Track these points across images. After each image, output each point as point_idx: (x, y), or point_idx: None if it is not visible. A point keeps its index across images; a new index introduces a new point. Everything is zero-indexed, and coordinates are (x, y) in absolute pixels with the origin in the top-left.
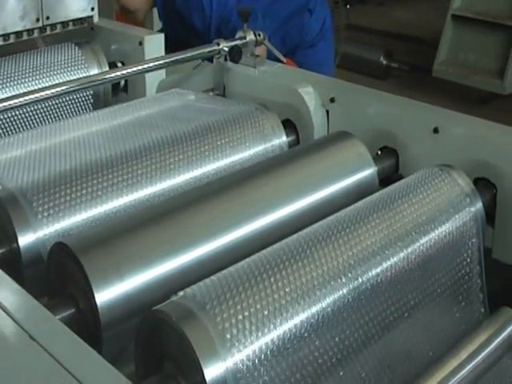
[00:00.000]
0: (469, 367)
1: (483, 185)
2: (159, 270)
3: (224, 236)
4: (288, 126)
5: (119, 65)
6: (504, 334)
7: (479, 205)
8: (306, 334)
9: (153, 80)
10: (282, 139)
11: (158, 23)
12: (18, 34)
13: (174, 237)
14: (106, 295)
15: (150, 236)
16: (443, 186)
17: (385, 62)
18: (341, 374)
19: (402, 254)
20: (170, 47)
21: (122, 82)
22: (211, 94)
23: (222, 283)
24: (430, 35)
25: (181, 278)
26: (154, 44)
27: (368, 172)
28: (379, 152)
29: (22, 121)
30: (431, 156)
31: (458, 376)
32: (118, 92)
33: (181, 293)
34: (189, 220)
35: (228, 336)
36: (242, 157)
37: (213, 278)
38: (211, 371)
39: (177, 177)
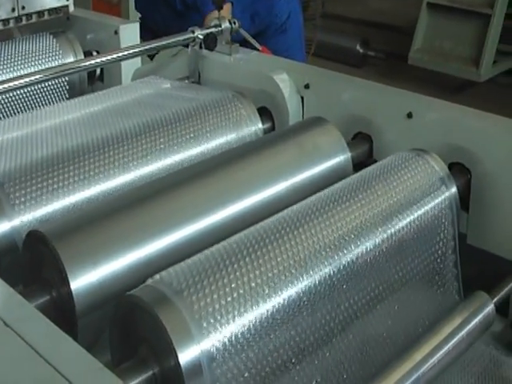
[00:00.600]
0: (444, 350)
1: (458, 170)
2: (134, 256)
3: (199, 221)
4: (263, 113)
5: (94, 54)
6: (479, 318)
7: (454, 189)
8: (282, 317)
9: (128, 69)
10: (257, 126)
11: (134, 12)
12: None
13: (149, 222)
14: (80, 282)
15: (125, 222)
16: (418, 170)
17: (361, 51)
18: (317, 356)
19: (376, 238)
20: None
21: (98, 71)
22: (186, 81)
23: (196, 267)
24: (405, 23)
25: (156, 264)
26: (130, 33)
27: (342, 157)
28: (353, 138)
29: None
30: (405, 141)
31: (434, 359)
32: (94, 81)
33: (156, 277)
34: (164, 205)
35: (202, 319)
36: (218, 144)
37: (187, 261)
38: (185, 355)
39: (152, 164)
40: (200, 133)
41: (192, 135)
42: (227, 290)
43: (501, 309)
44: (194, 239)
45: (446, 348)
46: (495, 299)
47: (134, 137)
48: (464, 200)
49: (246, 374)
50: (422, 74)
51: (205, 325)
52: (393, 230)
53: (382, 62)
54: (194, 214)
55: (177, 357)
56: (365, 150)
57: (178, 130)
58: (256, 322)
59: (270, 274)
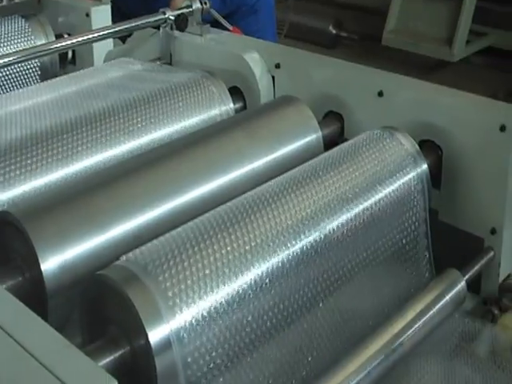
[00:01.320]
0: (415, 327)
1: (429, 147)
2: (105, 236)
3: (170, 201)
4: (235, 92)
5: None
6: (450, 295)
7: (424, 166)
8: (251, 294)
9: (100, 52)
10: (228, 106)
11: None
12: None
13: (120, 203)
14: (51, 263)
15: (95, 202)
16: (388, 147)
17: (334, 32)
18: (288, 333)
19: (346, 216)
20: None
21: (70, 54)
22: (158, 63)
23: (165, 246)
24: (379, 4)
25: (128, 244)
26: (101, 15)
27: (313, 136)
28: (325, 117)
29: None
30: (376, 119)
31: (405, 336)
32: (66, 64)
33: (124, 257)
34: (135, 186)
35: (171, 298)
36: (189, 124)
37: (156, 241)
38: (155, 333)
39: (123, 145)
40: (171, 113)
41: (163, 116)
42: (196, 268)
43: (473, 286)
44: (164, 219)
45: (417, 325)
46: (467, 276)
47: (105, 118)
48: (435, 177)
49: (219, 351)
50: (395, 54)
51: (174, 303)
52: (363, 207)
53: (355, 43)
54: (165, 193)
55: (146, 336)
56: (336, 128)
57: (149, 111)
58: (225, 299)
59: (238, 253)
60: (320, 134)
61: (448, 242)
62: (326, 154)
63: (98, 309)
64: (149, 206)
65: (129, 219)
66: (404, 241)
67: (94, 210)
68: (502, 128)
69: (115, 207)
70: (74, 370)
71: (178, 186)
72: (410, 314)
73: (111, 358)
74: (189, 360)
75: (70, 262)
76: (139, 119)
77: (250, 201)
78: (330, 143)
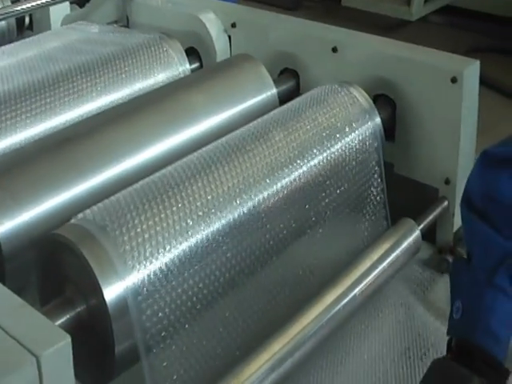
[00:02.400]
0: (372, 276)
1: (383, 101)
2: (62, 197)
3: (127, 159)
4: (191, 53)
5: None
6: (405, 244)
7: (377, 120)
8: (206, 249)
9: (58, 17)
10: (185, 66)
11: None
12: None
13: (76, 162)
14: (6, 226)
15: (51, 163)
16: (341, 101)
17: None
18: (245, 285)
19: (301, 170)
20: None
21: (27, 20)
22: (115, 25)
23: (119, 203)
24: None
25: (84, 203)
26: None
27: (268, 93)
28: (280, 74)
29: None
30: (331, 75)
31: (361, 285)
32: (24, 30)
33: (80, 215)
34: (90, 145)
35: (126, 255)
36: (146, 85)
37: (111, 198)
38: (110, 291)
39: (80, 107)
40: (128, 75)
41: (120, 78)
42: (151, 224)
43: (428, 236)
44: (121, 178)
45: (373, 274)
46: (421, 225)
47: (64, 81)
48: (390, 131)
49: (174, 305)
50: (356, 15)
51: (129, 260)
52: (317, 160)
53: (316, 5)
54: (121, 152)
55: (102, 294)
56: (292, 85)
57: (106, 74)
58: (180, 255)
59: (193, 208)
60: (275, 90)
61: (404, 193)
62: (279, 109)
63: (54, 268)
64: (104, 165)
65: (85, 179)
66: (359, 193)
67: (50, 170)
68: (454, 80)
69: (71, 167)
70: (28, 327)
71: (134, 145)
72: (366, 263)
73: (67, 316)
74: (144, 316)
75: (26, 224)
76: (97, 81)
77: (204, 158)
78: (286, 100)
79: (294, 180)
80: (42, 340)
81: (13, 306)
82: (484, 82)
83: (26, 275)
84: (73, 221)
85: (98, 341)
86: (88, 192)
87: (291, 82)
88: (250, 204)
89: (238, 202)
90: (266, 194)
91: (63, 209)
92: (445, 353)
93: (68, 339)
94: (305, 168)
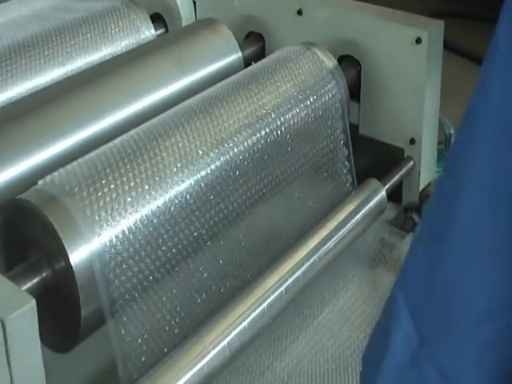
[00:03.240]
0: (337, 236)
1: (348, 62)
2: (28, 163)
3: (92, 125)
4: (156, 19)
5: None
6: (370, 204)
7: (343, 81)
8: (171, 210)
9: None
10: (150, 32)
11: None
12: None
13: (40, 129)
14: None
15: (17, 130)
16: (305, 62)
17: None
18: (209, 247)
19: (264, 132)
20: None
21: None
22: None
23: (85, 167)
24: None
25: (49, 169)
26: None
27: (234, 57)
28: (246, 37)
29: None
30: (297, 38)
31: (327, 245)
32: None
33: (45, 179)
34: (55, 111)
35: (91, 218)
36: (111, 51)
37: (75, 162)
38: (76, 255)
39: (48, 73)
40: (93, 41)
41: (84, 44)
42: (116, 186)
43: (394, 196)
44: (85, 143)
45: (339, 233)
46: (387, 185)
47: (28, 48)
48: (355, 92)
49: (140, 266)
50: None
51: (94, 223)
52: (280, 122)
53: None
54: (85, 118)
55: (68, 258)
56: (257, 49)
57: (71, 41)
58: (145, 217)
59: (158, 169)
60: (240, 54)
61: (369, 154)
62: (243, 71)
63: (19, 234)
64: (69, 131)
65: (51, 144)
66: (324, 154)
67: (16, 137)
68: (418, 40)
69: (36, 134)
70: None
71: (99, 110)
72: (332, 224)
73: (33, 281)
74: (109, 278)
75: None
76: (62, 48)
77: (167, 121)
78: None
79: (258, 142)
80: (7, 304)
81: None
82: (448, 46)
83: None
84: (37, 186)
85: (64, 305)
86: (53, 158)
87: (257, 45)
88: (214, 165)
89: (202, 163)
90: (228, 156)
91: (30, 175)
92: None
93: (33, 302)
94: (268, 129)
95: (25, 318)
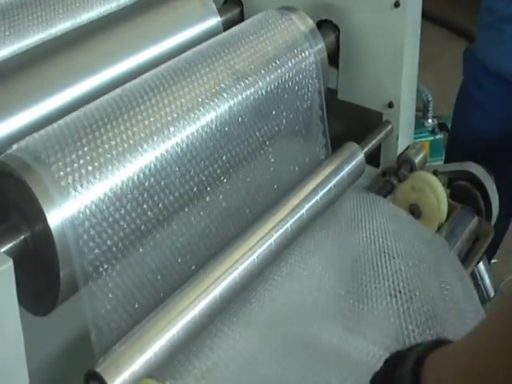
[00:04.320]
0: (315, 199)
1: (326, 27)
2: (6, 128)
3: (67, 90)
4: None
5: None
6: (349, 166)
7: (320, 46)
8: (147, 177)
9: None
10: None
11: None
12: None
13: (22, 92)
14: None
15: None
16: (282, 27)
17: None
18: (185, 213)
19: (240, 97)
20: None
21: None
22: None
23: (58, 132)
24: None
25: (27, 134)
26: None
27: (212, 22)
28: (225, 2)
29: None
30: (275, 3)
31: (304, 208)
32: None
33: (21, 143)
34: (33, 77)
35: (64, 182)
36: (88, 16)
37: (49, 127)
38: (54, 217)
39: (32, 37)
40: (69, 8)
41: (65, 9)
42: (90, 151)
43: (372, 160)
44: (60, 109)
45: (317, 197)
46: (366, 149)
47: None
48: (333, 57)
49: (112, 232)
50: None
51: (68, 187)
52: (257, 86)
53: None
54: (61, 84)
55: (46, 220)
56: (235, 13)
57: (49, 7)
58: (121, 182)
59: (132, 133)
60: (219, 18)
61: (348, 120)
62: (219, 36)
63: None
64: (45, 96)
65: (28, 109)
66: (300, 120)
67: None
68: (397, 4)
69: (15, 98)
70: None
71: (76, 75)
72: (310, 186)
73: (13, 243)
74: (84, 239)
75: None
76: (45, 13)
77: (142, 85)
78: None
79: (233, 106)
80: None
81: None
82: (426, 15)
83: None
84: (11, 150)
85: (42, 268)
86: (29, 124)
87: (235, 10)
88: (188, 130)
89: (176, 127)
90: (203, 121)
91: (8, 140)
92: None
93: (10, 263)
94: (244, 95)
95: (2, 278)
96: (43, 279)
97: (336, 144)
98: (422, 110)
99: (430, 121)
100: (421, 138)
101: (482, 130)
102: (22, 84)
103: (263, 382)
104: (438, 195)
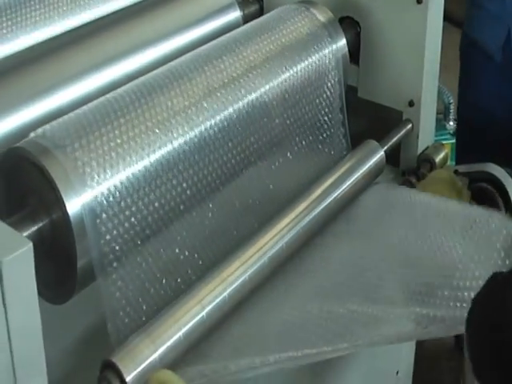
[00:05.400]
0: (336, 195)
1: (347, 23)
2: (24, 117)
3: (87, 79)
4: None
5: None
6: (369, 163)
7: (341, 42)
8: (166, 168)
9: None
10: None
11: None
12: None
13: (39, 81)
14: None
15: (14, 82)
16: (304, 21)
17: None
18: (204, 208)
19: (260, 91)
20: None
21: None
22: None
23: (76, 120)
24: None
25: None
26: None
27: (233, 16)
28: None
29: None
30: None
31: (325, 204)
32: None
33: (38, 130)
34: (53, 65)
35: (83, 170)
36: (113, 7)
37: (67, 116)
38: (72, 205)
39: (48, 27)
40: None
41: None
42: (110, 141)
43: (392, 159)
44: (80, 99)
45: (337, 193)
46: (385, 147)
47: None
48: (354, 54)
49: (130, 224)
50: None
51: (87, 175)
52: (279, 83)
53: None
54: (81, 74)
55: (65, 207)
56: (255, 8)
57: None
58: (140, 172)
59: (152, 123)
60: (239, 13)
61: (367, 118)
62: (240, 29)
63: (14, 183)
64: (65, 84)
65: (49, 97)
66: (319, 116)
67: (12, 89)
68: (419, 0)
69: (34, 85)
70: None
71: (98, 65)
72: (329, 182)
73: (31, 230)
74: (102, 230)
75: None
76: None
77: (164, 74)
78: None
79: (254, 100)
80: (3, 246)
81: None
82: (448, 17)
83: None
84: (30, 137)
85: (60, 256)
86: (49, 112)
87: (255, 4)
88: (210, 122)
89: (198, 118)
90: (222, 114)
91: (26, 128)
92: None
93: (30, 245)
94: (263, 89)
95: (22, 260)
96: (60, 267)
97: (355, 142)
98: (443, 113)
99: (451, 123)
100: (442, 140)
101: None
102: (40, 73)
103: None
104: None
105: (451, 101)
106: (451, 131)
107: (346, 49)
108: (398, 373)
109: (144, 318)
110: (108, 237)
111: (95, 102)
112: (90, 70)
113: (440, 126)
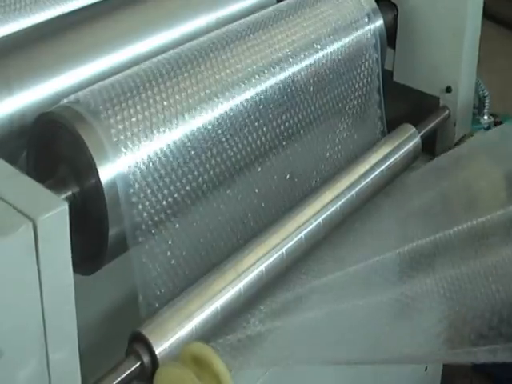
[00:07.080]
0: (370, 178)
1: (384, 6)
2: (54, 86)
3: (121, 51)
4: None
5: None
6: (406, 148)
7: (379, 22)
8: (201, 140)
9: None
10: None
11: None
12: None
13: (69, 52)
14: None
15: (44, 51)
16: (343, 1)
17: None
18: (240, 181)
19: (297, 68)
20: None
21: None
22: None
23: (110, 88)
24: None
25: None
26: None
27: None
28: None
29: None
30: None
31: (359, 186)
32: None
33: (71, 97)
34: (86, 36)
35: (117, 137)
36: None
37: (101, 83)
38: (105, 173)
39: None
40: None
41: None
42: (145, 109)
43: (427, 147)
44: (113, 68)
45: (372, 175)
46: (422, 132)
47: None
48: (391, 37)
49: (164, 194)
50: None
51: (120, 143)
52: (318, 60)
53: None
54: (114, 45)
55: (98, 175)
56: None
57: None
58: (174, 143)
59: (187, 94)
60: None
61: (403, 103)
62: (276, 5)
63: (46, 148)
64: (99, 56)
65: (79, 66)
66: (356, 96)
67: (43, 58)
68: None
69: (65, 56)
70: (24, 194)
71: (131, 37)
72: (365, 165)
73: (62, 197)
74: (134, 200)
75: (16, 109)
76: None
77: (201, 46)
78: None
79: (291, 77)
80: (39, 206)
81: (7, 174)
82: (484, 12)
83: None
84: (62, 103)
85: (90, 226)
86: (81, 81)
87: None
88: (246, 95)
89: (235, 91)
90: (267, 85)
91: (56, 97)
92: None
93: (65, 206)
94: (299, 66)
95: (57, 220)
96: (91, 237)
97: (388, 128)
98: (477, 107)
99: (485, 117)
100: None
101: None
102: (73, 42)
103: None
104: None
105: (486, 94)
106: (485, 126)
107: (384, 30)
108: (426, 369)
109: (176, 291)
110: (140, 206)
111: (129, 71)
112: (123, 39)
113: (474, 120)
